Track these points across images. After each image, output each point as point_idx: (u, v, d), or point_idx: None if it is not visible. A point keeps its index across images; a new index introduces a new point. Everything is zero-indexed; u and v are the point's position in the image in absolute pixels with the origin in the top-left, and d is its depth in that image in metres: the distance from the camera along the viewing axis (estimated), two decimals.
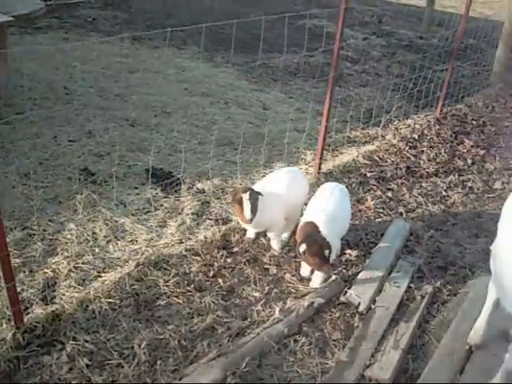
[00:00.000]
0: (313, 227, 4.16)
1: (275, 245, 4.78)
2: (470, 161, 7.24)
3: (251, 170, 6.07)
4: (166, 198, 5.34)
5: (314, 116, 7.85)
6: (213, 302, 4.11)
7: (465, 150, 7.55)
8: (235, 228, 4.96)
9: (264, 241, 4.91)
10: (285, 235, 4.86)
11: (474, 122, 8.67)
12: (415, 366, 3.84)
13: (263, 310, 4.11)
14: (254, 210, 4.24)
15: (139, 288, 4.10)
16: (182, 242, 4.68)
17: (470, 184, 6.62)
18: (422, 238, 5.34)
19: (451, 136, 7.94)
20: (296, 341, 3.91)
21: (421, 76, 8.37)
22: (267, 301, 4.23)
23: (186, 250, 4.57)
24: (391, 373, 3.68)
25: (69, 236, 4.51)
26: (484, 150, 7.66)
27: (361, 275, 4.60)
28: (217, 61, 9.50)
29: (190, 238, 4.74)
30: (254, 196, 4.24)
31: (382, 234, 5.25)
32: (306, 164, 6.41)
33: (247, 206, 4.21)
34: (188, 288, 4.20)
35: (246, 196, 4.21)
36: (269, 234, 4.75)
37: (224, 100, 7.93)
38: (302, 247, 3.99)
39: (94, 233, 4.62)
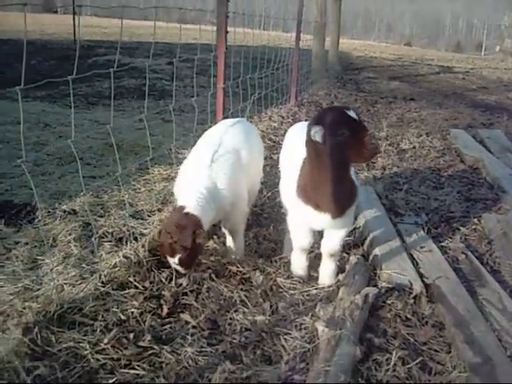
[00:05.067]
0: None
1: (238, 243, 2.93)
2: None
3: (126, 179, 4.12)
4: (18, 232, 3.12)
5: (162, 124, 6.25)
6: (199, 352, 2.12)
7: None
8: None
9: (212, 244, 3.03)
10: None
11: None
12: None
13: (291, 337, 2.25)
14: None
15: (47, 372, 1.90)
16: (84, 279, 2.55)
17: (382, 149, 5.52)
18: (394, 199, 3.99)
19: None
20: (378, 363, 2.12)
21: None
22: (283, 322, 2.37)
23: (103, 285, 2.46)
24: None
25: None
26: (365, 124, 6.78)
27: (377, 250, 3.00)
28: (13, 97, 7.21)
29: (94, 272, 2.63)
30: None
31: None
32: None
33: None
34: (141, 344, 2.13)
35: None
36: (227, 226, 2.88)
37: (43, 123, 5.76)
38: (317, 132, 2.24)
39: None
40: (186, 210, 2.53)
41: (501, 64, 18.73)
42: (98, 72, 2.98)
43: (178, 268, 2.50)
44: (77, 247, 2.90)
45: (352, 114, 2.23)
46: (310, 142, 2.33)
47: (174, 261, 2.46)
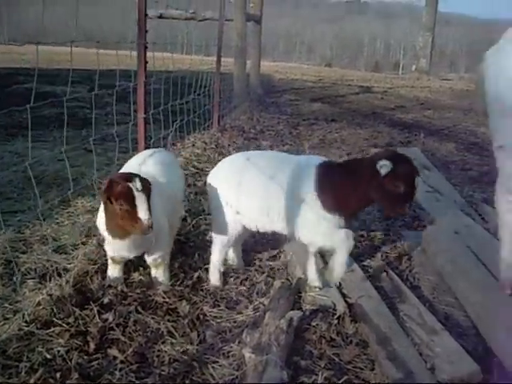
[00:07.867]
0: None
1: (163, 274, 2.93)
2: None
3: (48, 213, 4.03)
4: None
5: (84, 154, 6.11)
6: None
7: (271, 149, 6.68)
8: (86, 271, 2.94)
9: (138, 275, 3.02)
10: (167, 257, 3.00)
11: (252, 131, 7.95)
12: (468, 342, 2.52)
13: (219, 365, 2.27)
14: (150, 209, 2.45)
15: None
16: (7, 319, 2.47)
17: None
18: None
19: (245, 140, 7.03)
20: None
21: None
22: (210, 350, 2.40)
23: (27, 324, 2.40)
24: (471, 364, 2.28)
25: None
26: (287, 146, 6.96)
27: (300, 273, 3.09)
28: None
29: (17, 311, 2.56)
30: (147, 186, 2.45)
31: None
32: None
33: (142, 202, 2.38)
34: (69, 382, 2.10)
35: (136, 185, 2.38)
36: (151, 259, 2.87)
37: None
38: (385, 166, 2.42)
39: None
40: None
41: (417, 82, 19.65)
42: (15, 109, 2.90)
43: None
44: None
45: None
46: (369, 165, 2.54)
47: None
